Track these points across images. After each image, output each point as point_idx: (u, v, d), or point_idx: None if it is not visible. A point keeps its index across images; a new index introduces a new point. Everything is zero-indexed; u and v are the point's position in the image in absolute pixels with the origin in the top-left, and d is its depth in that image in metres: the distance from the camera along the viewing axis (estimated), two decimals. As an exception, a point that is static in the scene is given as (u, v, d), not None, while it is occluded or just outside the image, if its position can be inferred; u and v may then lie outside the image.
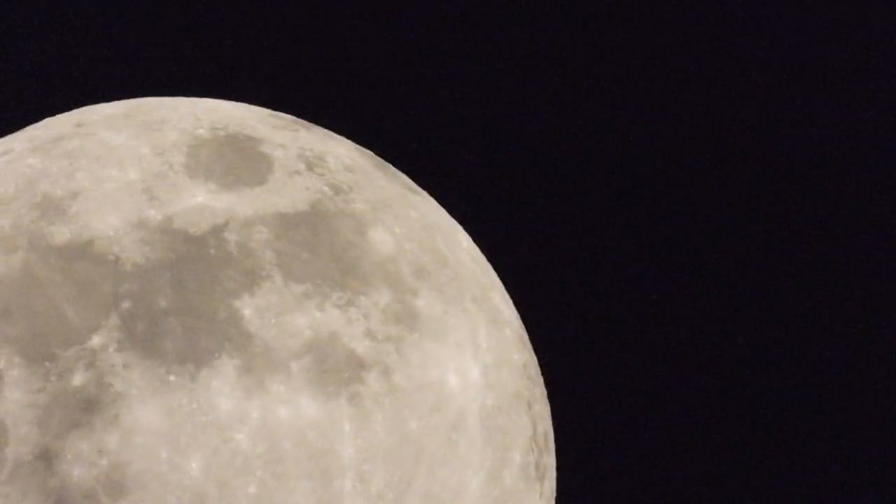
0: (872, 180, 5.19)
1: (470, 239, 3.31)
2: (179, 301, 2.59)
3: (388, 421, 2.66)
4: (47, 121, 3.17)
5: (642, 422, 4.98)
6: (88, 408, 2.48)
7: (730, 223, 5.16)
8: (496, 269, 3.34)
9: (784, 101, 5.24)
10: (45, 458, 2.47)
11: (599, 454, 4.93)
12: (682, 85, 5.23)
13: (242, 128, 3.04)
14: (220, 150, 2.91)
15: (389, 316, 2.76)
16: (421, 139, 5.07)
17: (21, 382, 2.51)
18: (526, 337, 3.29)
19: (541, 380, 3.30)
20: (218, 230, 2.71)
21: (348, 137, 3.35)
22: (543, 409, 3.24)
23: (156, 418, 2.49)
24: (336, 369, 2.63)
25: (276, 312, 2.63)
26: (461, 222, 3.36)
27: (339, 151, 3.15)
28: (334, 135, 3.31)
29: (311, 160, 3.00)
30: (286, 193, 2.85)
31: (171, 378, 2.51)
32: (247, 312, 2.61)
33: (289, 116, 3.30)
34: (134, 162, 2.83)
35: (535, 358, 3.31)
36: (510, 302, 3.30)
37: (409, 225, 3.01)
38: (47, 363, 2.52)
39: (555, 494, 3.32)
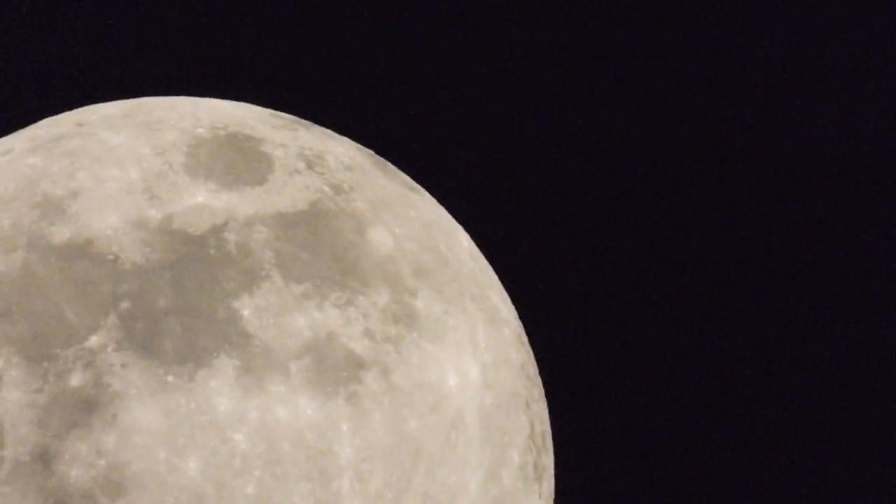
0: (872, 180, 5.19)
1: (469, 238, 3.31)
2: (178, 301, 2.59)
3: (386, 421, 2.66)
4: (47, 120, 3.17)
5: (641, 421, 4.98)
6: (87, 408, 2.49)
7: (729, 223, 5.16)
8: (494, 267, 3.34)
9: (784, 101, 5.23)
10: (44, 458, 2.47)
11: (598, 454, 4.93)
12: (681, 85, 5.23)
13: (242, 127, 3.04)
14: (220, 150, 2.91)
15: (388, 316, 2.76)
16: (420, 138, 5.07)
17: (20, 382, 2.51)
18: (524, 336, 3.29)
19: (539, 379, 3.30)
20: (217, 230, 2.71)
21: (347, 136, 3.35)
22: (542, 409, 3.24)
23: (154, 418, 2.49)
24: (335, 369, 2.63)
25: (276, 312, 2.63)
26: (460, 221, 3.36)
27: (339, 150, 3.15)
28: (334, 134, 3.31)
29: (311, 159, 3.00)
30: (286, 193, 2.85)
31: (170, 378, 2.51)
32: (246, 312, 2.61)
33: (288, 116, 3.30)
34: (134, 162, 2.84)
35: (533, 357, 3.31)
36: (509, 301, 3.30)
37: (408, 224, 3.02)
38: (46, 363, 2.52)
39: (553, 494, 3.32)
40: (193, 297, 2.59)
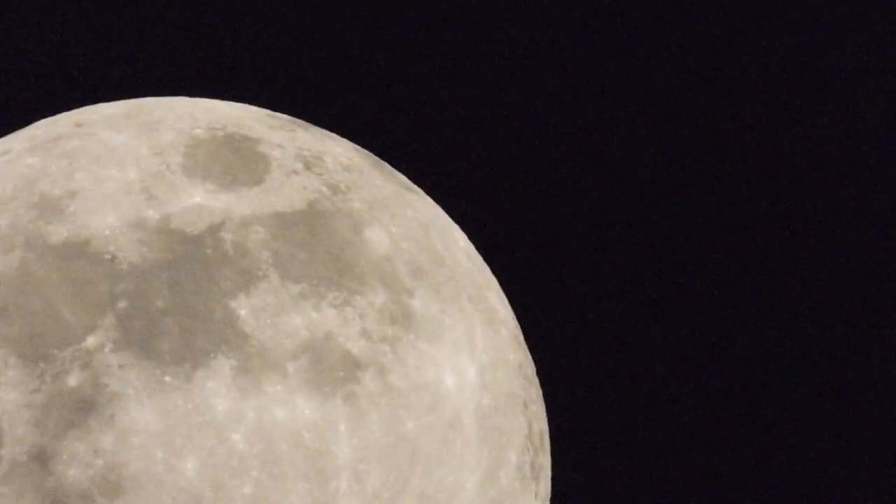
0: (872, 180, 5.19)
1: (466, 238, 3.31)
2: (176, 301, 2.59)
3: (383, 421, 2.66)
4: (46, 121, 3.17)
5: (638, 422, 4.98)
6: (84, 408, 2.49)
7: (728, 223, 5.16)
8: (492, 267, 3.34)
9: (784, 101, 5.23)
10: (41, 458, 2.47)
11: (595, 454, 4.93)
12: (681, 85, 5.23)
13: (240, 128, 3.04)
14: (218, 150, 2.92)
15: (385, 316, 2.76)
16: (417, 138, 5.07)
17: (17, 382, 2.51)
18: (521, 337, 3.29)
19: (536, 380, 3.30)
20: (214, 229, 2.71)
21: (345, 136, 3.35)
22: (539, 409, 3.24)
23: (152, 419, 2.49)
24: (332, 369, 2.63)
25: (273, 313, 2.63)
26: (457, 221, 3.36)
27: (337, 151, 3.15)
28: (332, 134, 3.31)
29: (309, 160, 3.01)
30: (283, 193, 2.85)
31: (167, 378, 2.52)
32: (243, 313, 2.61)
33: (286, 116, 3.31)
34: (132, 162, 2.84)
35: (530, 358, 3.31)
36: (506, 301, 3.30)
37: (405, 224, 3.01)
38: (43, 363, 2.52)
39: (550, 494, 3.32)
40: (190, 297, 2.60)
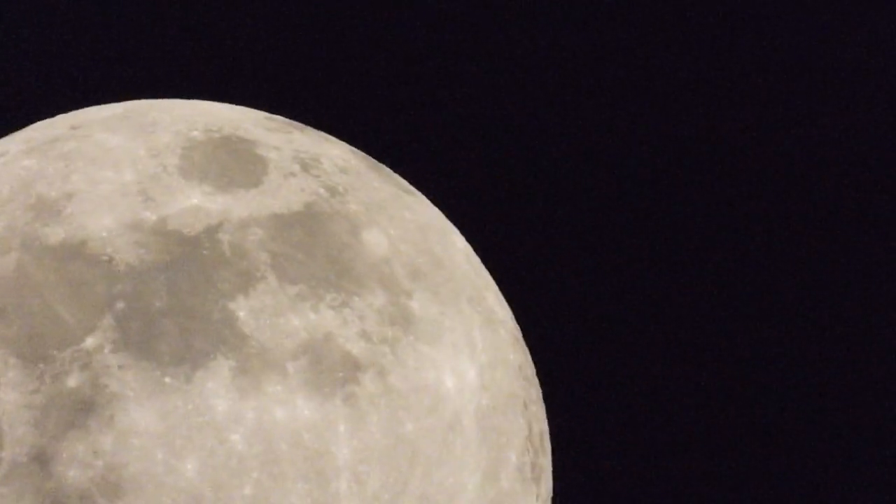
0: (872, 180, 5.19)
1: (464, 240, 3.31)
2: (174, 302, 2.59)
3: (383, 422, 2.66)
4: (42, 123, 3.17)
5: (638, 422, 4.98)
6: (84, 409, 2.49)
7: (727, 223, 5.17)
8: (490, 269, 3.34)
9: (784, 101, 5.24)
10: (41, 459, 2.47)
11: (595, 454, 4.93)
12: (680, 85, 5.23)
13: (237, 130, 3.04)
14: (215, 152, 2.92)
15: (384, 317, 2.76)
16: (415, 140, 5.07)
17: (16, 383, 2.51)
18: (521, 337, 3.29)
19: (536, 380, 3.30)
20: (212, 231, 2.71)
21: (342, 138, 3.35)
22: (539, 410, 3.24)
23: (151, 420, 2.49)
24: (331, 370, 2.63)
25: (271, 314, 2.63)
26: (455, 223, 3.36)
27: (334, 153, 3.15)
28: (329, 136, 3.31)
29: (306, 162, 3.01)
30: (281, 195, 2.85)
31: (167, 379, 2.51)
32: (241, 314, 2.61)
33: (283, 119, 3.31)
34: (129, 164, 2.84)
35: (530, 358, 3.31)
36: (504, 302, 3.30)
37: (403, 226, 3.01)
38: (42, 364, 2.52)
39: (551, 495, 3.31)
40: (188, 299, 2.59)
